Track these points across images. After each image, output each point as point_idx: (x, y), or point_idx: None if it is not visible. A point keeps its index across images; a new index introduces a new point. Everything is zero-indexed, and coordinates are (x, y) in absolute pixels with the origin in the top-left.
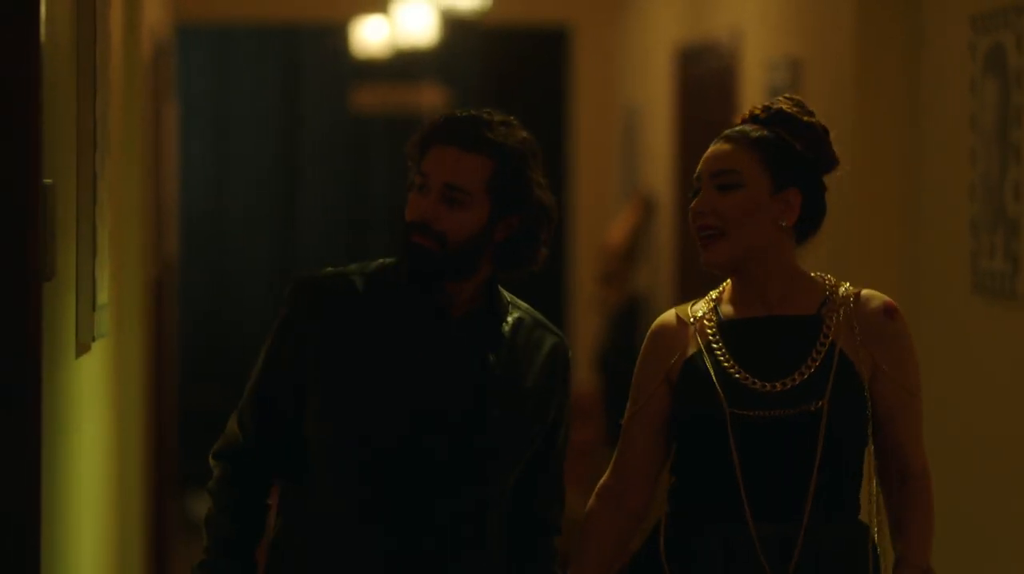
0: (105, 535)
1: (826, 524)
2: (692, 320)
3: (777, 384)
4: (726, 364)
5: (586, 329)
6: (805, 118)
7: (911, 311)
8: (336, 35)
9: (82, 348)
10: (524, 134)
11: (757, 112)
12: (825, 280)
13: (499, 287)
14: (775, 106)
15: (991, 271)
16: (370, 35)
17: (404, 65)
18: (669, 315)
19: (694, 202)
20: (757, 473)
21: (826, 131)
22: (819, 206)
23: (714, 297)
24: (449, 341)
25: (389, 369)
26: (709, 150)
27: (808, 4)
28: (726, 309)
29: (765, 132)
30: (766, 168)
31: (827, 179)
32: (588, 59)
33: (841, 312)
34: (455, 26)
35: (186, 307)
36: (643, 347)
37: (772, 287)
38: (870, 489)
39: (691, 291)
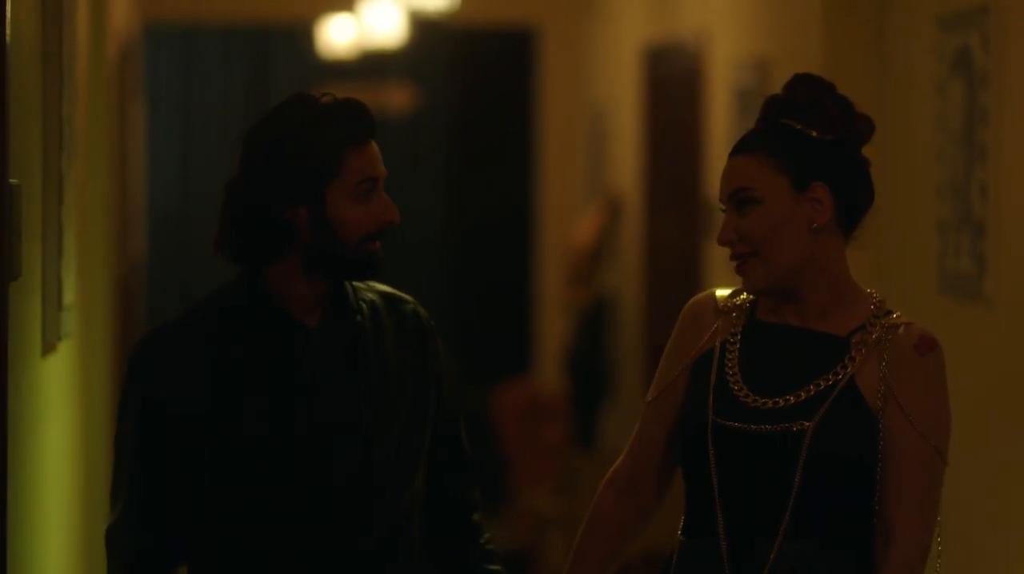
0: (72, 535)
1: (801, 551)
2: (724, 310)
3: (769, 401)
4: (728, 369)
5: (553, 329)
6: (814, 96)
7: None
8: (303, 35)
9: (48, 348)
10: None
11: (765, 108)
12: (874, 302)
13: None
14: (781, 93)
15: (958, 272)
16: (337, 35)
17: (371, 65)
18: (708, 297)
19: (719, 231)
20: (734, 488)
21: (845, 102)
22: (857, 190)
23: None
24: (315, 358)
25: (264, 407)
26: (724, 168)
27: (775, 4)
28: (763, 306)
29: (772, 130)
30: (780, 171)
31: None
32: (555, 60)
33: (873, 341)
34: (422, 26)
35: (152, 307)
36: (676, 325)
37: (814, 299)
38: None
39: (659, 291)
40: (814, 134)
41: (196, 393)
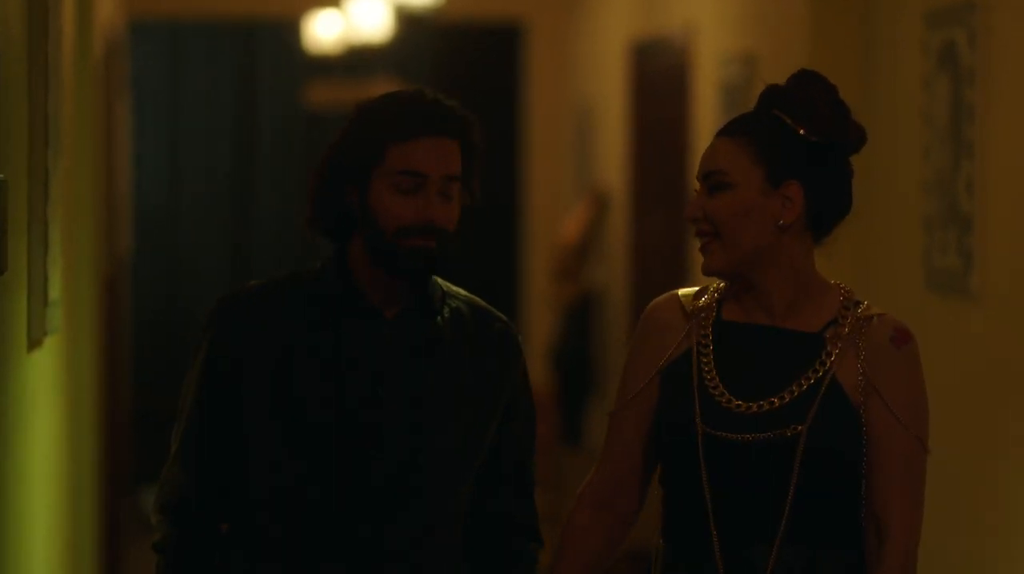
0: (57, 531)
1: (799, 553)
2: (692, 312)
3: (754, 405)
4: (707, 373)
5: (540, 325)
6: (811, 94)
7: None
8: (289, 31)
9: (34, 343)
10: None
11: (762, 95)
12: (842, 294)
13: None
14: (782, 84)
15: (944, 267)
16: (323, 31)
17: (357, 61)
18: (670, 300)
19: (688, 205)
20: (727, 498)
21: (841, 107)
22: (831, 197)
23: (720, 288)
24: (384, 348)
25: (324, 386)
26: (707, 146)
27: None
28: (729, 307)
29: (761, 117)
30: (759, 162)
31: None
32: (542, 55)
33: (847, 334)
34: (409, 22)
35: (139, 303)
36: (637, 331)
37: (779, 295)
38: None
39: (645, 287)
40: (801, 131)
41: (261, 357)
